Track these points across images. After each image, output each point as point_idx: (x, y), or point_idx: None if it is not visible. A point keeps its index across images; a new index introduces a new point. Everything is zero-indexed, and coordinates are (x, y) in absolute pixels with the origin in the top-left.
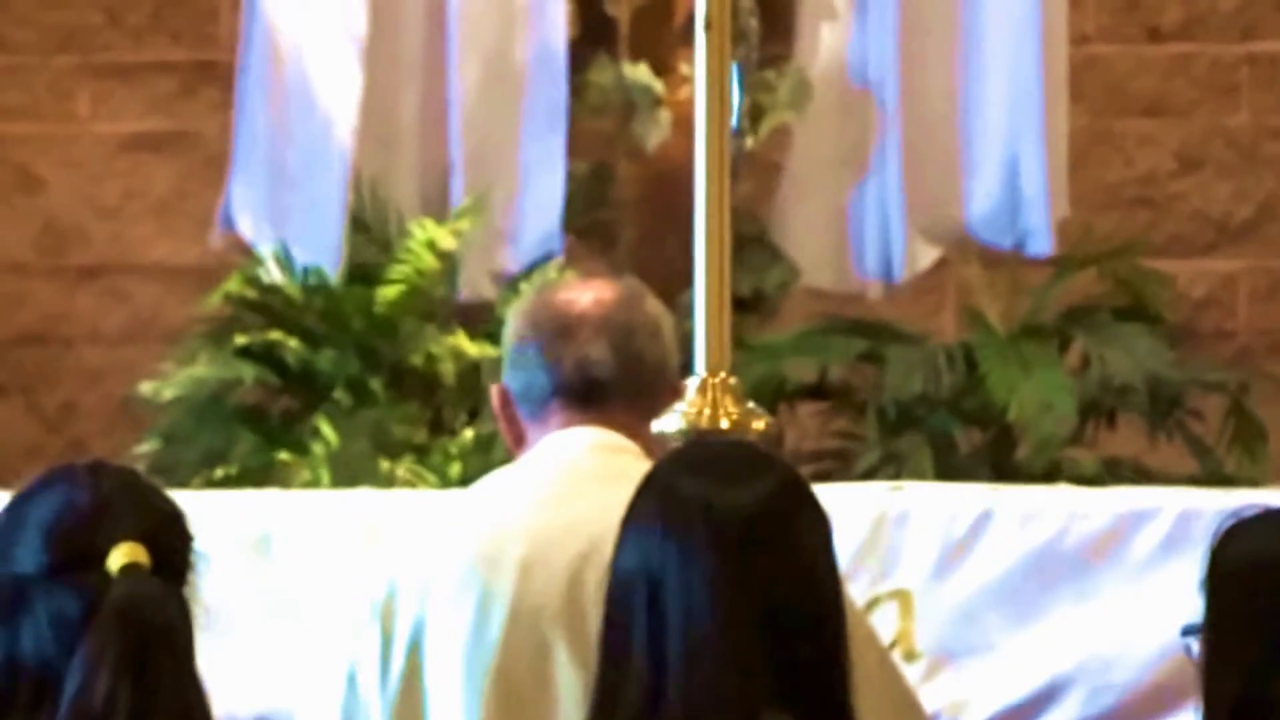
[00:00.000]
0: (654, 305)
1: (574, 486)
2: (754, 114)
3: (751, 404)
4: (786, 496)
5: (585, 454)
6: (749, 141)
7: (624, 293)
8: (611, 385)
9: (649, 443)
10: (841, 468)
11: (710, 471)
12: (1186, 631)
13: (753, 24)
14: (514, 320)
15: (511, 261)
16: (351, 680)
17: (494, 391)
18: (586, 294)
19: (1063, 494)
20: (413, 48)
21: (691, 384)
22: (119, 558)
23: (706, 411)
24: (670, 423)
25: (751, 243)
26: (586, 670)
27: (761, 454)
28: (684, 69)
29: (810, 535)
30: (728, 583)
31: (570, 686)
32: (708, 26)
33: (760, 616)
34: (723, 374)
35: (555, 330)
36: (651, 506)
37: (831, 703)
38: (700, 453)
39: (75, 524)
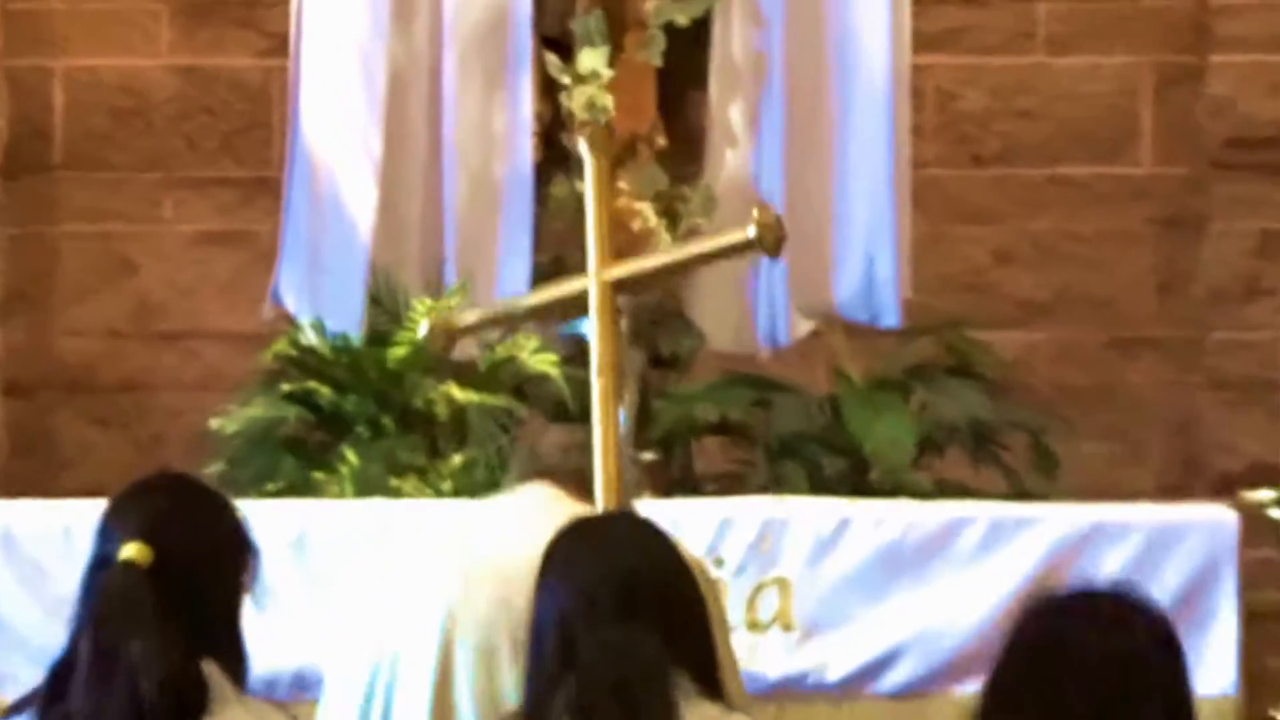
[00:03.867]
0: None
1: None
2: (672, 218)
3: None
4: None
5: (545, 500)
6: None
7: None
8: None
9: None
10: (738, 486)
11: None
12: None
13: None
14: None
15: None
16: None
17: None
18: None
19: (904, 506)
20: (416, 166)
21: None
22: (124, 552)
23: None
24: None
25: (671, 316)
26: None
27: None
28: (621, 185)
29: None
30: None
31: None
32: (599, 373)
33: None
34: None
35: None
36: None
37: (709, 659)
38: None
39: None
